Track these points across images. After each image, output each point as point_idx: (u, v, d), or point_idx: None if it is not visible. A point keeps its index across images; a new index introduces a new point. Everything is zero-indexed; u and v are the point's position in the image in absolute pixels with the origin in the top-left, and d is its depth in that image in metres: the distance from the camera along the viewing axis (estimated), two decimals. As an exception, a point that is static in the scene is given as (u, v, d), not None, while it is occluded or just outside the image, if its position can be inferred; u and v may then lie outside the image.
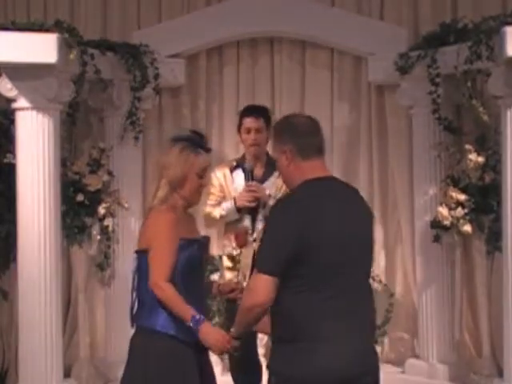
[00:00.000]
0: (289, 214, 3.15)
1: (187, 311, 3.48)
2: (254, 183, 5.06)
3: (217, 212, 5.15)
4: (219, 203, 5.17)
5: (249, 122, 5.18)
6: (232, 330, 3.41)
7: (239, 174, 5.17)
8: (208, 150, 3.72)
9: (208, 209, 5.19)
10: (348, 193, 3.37)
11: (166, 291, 3.50)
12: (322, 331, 3.11)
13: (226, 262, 5.13)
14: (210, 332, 3.49)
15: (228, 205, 5.12)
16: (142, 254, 3.62)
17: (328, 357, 3.10)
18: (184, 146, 3.64)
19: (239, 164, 5.22)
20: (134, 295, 3.67)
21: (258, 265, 3.18)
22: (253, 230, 5.03)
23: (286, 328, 3.15)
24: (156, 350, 3.53)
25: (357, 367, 3.17)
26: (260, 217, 5.03)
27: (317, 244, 3.11)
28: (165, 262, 3.51)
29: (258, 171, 5.16)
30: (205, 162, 3.67)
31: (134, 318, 3.66)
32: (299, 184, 3.24)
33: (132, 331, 3.71)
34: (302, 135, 3.29)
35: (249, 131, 5.16)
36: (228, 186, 5.20)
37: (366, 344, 3.28)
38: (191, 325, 3.47)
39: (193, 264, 3.59)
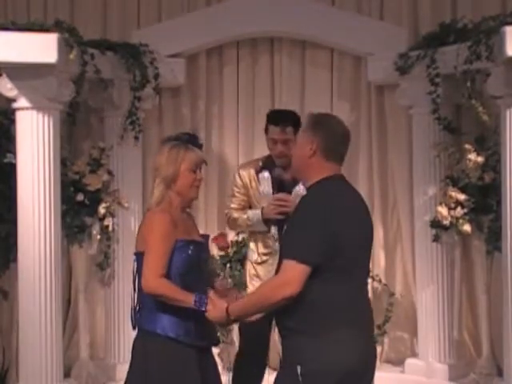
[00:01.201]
0: (323, 206, 3.25)
1: (187, 298, 3.49)
2: (283, 195, 4.77)
3: (243, 220, 4.89)
4: (244, 207, 4.94)
5: (276, 133, 4.85)
6: (231, 316, 3.40)
7: (266, 178, 4.92)
8: (199, 146, 3.73)
9: (235, 214, 4.94)
10: (357, 193, 3.53)
11: (160, 288, 3.49)
12: (349, 322, 3.24)
13: (252, 270, 4.98)
14: (215, 316, 3.49)
15: (255, 215, 4.86)
16: (140, 256, 3.61)
17: (354, 347, 3.23)
18: (173, 145, 3.67)
19: (266, 166, 4.93)
20: (135, 297, 3.66)
21: (294, 254, 3.20)
22: (280, 240, 4.72)
23: (311, 320, 3.22)
24: (157, 352, 3.52)
25: (374, 357, 3.44)
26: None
27: (345, 239, 3.24)
28: (156, 262, 3.50)
29: (287, 175, 4.85)
30: (197, 157, 3.68)
31: (137, 321, 3.65)
32: (325, 178, 3.35)
33: (133, 332, 3.71)
34: (335, 138, 3.42)
35: (275, 142, 4.86)
36: (253, 187, 4.94)
37: (374, 336, 3.58)
38: (197, 308, 3.48)
39: (190, 265, 3.59)
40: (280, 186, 4.85)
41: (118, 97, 6.00)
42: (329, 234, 3.20)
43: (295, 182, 4.80)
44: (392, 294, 6.30)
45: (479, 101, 5.53)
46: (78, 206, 5.85)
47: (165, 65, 6.13)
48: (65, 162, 5.78)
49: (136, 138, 5.99)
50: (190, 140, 3.71)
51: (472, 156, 5.64)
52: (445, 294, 5.95)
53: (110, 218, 5.93)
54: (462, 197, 5.68)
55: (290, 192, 4.82)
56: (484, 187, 5.68)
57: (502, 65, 5.17)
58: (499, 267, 5.49)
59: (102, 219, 5.92)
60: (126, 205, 5.99)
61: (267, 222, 4.83)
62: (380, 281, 6.32)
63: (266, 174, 4.92)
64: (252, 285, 4.92)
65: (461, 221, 5.68)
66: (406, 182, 6.32)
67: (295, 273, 3.18)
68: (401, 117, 6.31)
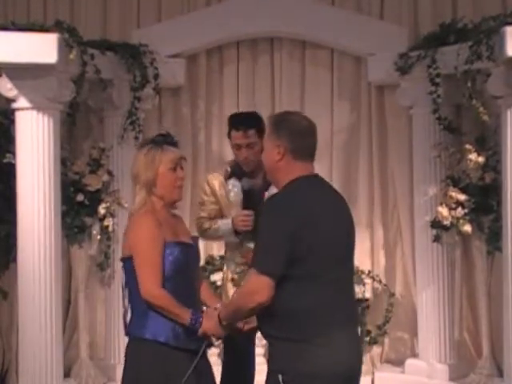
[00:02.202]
0: (285, 213, 3.18)
1: (184, 314, 3.47)
2: (248, 212, 4.51)
3: (215, 230, 4.60)
4: (215, 216, 4.64)
5: (238, 137, 4.62)
6: (223, 322, 3.44)
7: (236, 186, 4.65)
8: (175, 144, 3.67)
9: (206, 224, 4.63)
10: (334, 192, 3.44)
11: (162, 299, 3.46)
12: (327, 327, 3.19)
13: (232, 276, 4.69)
14: (209, 327, 3.50)
15: (225, 226, 4.58)
16: (128, 262, 3.55)
17: (336, 351, 3.18)
18: (148, 149, 3.60)
19: (234, 172, 4.67)
20: (126, 303, 3.60)
21: (257, 265, 3.18)
22: None
23: (290, 327, 3.18)
24: (147, 358, 3.48)
25: (359, 360, 3.33)
26: None
27: (314, 243, 3.16)
28: (154, 269, 3.46)
29: (256, 182, 4.61)
30: (174, 155, 3.61)
31: (128, 327, 3.60)
32: (290, 181, 3.27)
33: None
34: (300, 135, 3.32)
35: (239, 148, 4.61)
36: (222, 196, 4.65)
37: (358, 338, 3.45)
38: (191, 326, 3.47)
39: (177, 268, 3.53)
40: (249, 195, 4.60)
41: (118, 97, 6.00)
42: (289, 242, 3.13)
43: (265, 188, 4.54)
44: (392, 295, 6.30)
45: (480, 101, 5.53)
46: (78, 207, 5.85)
47: (165, 65, 6.13)
48: (65, 162, 5.78)
49: (136, 138, 5.97)
50: (165, 140, 3.65)
51: (472, 156, 5.64)
52: (445, 295, 5.95)
53: (110, 219, 5.93)
54: (462, 197, 5.68)
55: (261, 198, 4.51)
56: (484, 187, 5.67)
57: (502, 65, 5.17)
58: (500, 267, 5.49)
59: (101, 219, 5.91)
60: (125, 205, 5.97)
61: (238, 233, 4.57)
62: (380, 281, 6.32)
63: (235, 183, 4.65)
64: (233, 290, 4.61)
65: (461, 221, 5.68)
66: (406, 181, 6.32)
67: (258, 283, 3.15)
68: (401, 117, 6.31)
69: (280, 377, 3.18)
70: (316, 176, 3.37)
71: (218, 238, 4.73)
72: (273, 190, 4.36)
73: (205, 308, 3.66)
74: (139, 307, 3.51)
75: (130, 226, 3.59)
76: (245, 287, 3.29)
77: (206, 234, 4.68)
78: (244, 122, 4.68)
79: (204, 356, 3.63)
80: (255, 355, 4.77)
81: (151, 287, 3.45)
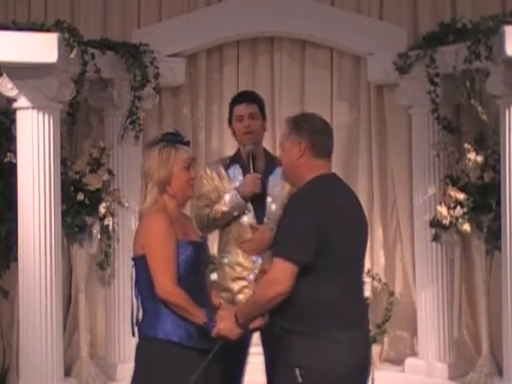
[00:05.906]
0: (313, 205, 3.27)
1: (199, 314, 3.47)
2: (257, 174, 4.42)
3: (217, 210, 4.41)
4: (214, 203, 4.44)
5: (241, 108, 4.52)
6: (240, 320, 3.42)
7: (236, 170, 4.51)
8: (186, 143, 3.68)
9: (205, 210, 4.43)
10: (352, 192, 3.53)
11: (177, 296, 3.44)
12: (345, 321, 3.26)
13: (233, 273, 4.45)
14: (224, 327, 3.47)
15: (232, 196, 4.39)
16: (139, 261, 3.54)
17: (351, 346, 3.25)
18: (161, 147, 3.59)
19: (234, 160, 4.56)
20: (135, 303, 3.60)
21: (282, 252, 3.23)
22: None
23: (306, 321, 3.23)
24: (160, 358, 3.47)
25: (370, 355, 3.43)
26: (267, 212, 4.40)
27: (335, 238, 3.25)
28: (168, 266, 3.45)
29: (259, 163, 4.49)
30: (188, 155, 3.62)
31: (139, 327, 3.58)
32: (314, 178, 3.36)
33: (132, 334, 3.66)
34: (319, 133, 3.43)
35: (241, 118, 4.50)
36: (224, 185, 4.48)
37: (369, 333, 3.52)
38: (205, 326, 3.46)
39: (191, 267, 3.53)
40: (254, 160, 4.45)
41: (118, 96, 6.02)
42: (317, 233, 3.21)
43: (269, 169, 4.46)
44: (392, 293, 6.31)
45: (478, 100, 5.55)
46: (79, 206, 5.86)
47: (165, 64, 6.14)
48: (65, 162, 5.79)
49: (136, 137, 6.00)
50: (177, 139, 3.65)
51: (471, 155, 5.65)
52: (444, 293, 5.96)
53: (111, 218, 5.94)
54: (461, 196, 5.69)
55: (264, 177, 4.47)
56: (483, 186, 5.68)
57: (501, 64, 5.18)
58: (499, 266, 5.50)
59: (102, 219, 5.92)
60: (126, 204, 6.01)
61: (246, 200, 4.40)
62: (380, 280, 6.33)
63: (235, 167, 4.52)
64: (238, 285, 4.43)
65: (460, 220, 5.69)
66: (405, 181, 6.33)
67: (282, 271, 3.21)
68: (400, 116, 6.32)
69: (297, 371, 3.21)
70: (335, 175, 3.47)
71: (223, 215, 4.42)
72: (277, 175, 4.34)
73: (220, 305, 3.67)
74: (151, 307, 3.51)
75: (142, 225, 3.58)
76: (267, 276, 3.32)
77: (207, 219, 4.44)
78: (247, 96, 4.69)
79: (217, 357, 3.56)
80: None
81: (167, 284, 3.44)
